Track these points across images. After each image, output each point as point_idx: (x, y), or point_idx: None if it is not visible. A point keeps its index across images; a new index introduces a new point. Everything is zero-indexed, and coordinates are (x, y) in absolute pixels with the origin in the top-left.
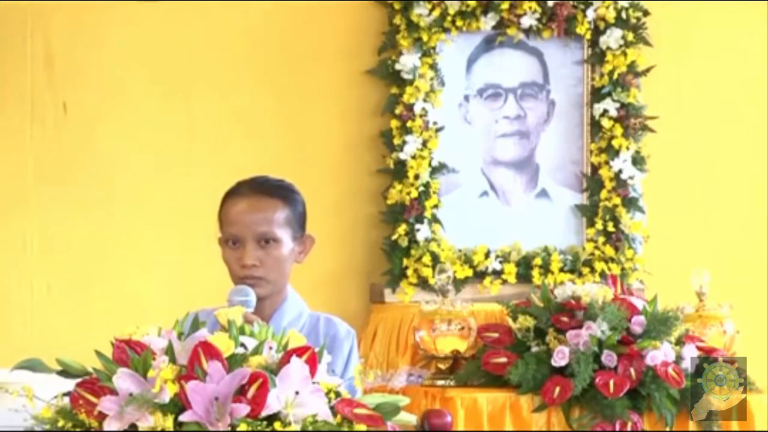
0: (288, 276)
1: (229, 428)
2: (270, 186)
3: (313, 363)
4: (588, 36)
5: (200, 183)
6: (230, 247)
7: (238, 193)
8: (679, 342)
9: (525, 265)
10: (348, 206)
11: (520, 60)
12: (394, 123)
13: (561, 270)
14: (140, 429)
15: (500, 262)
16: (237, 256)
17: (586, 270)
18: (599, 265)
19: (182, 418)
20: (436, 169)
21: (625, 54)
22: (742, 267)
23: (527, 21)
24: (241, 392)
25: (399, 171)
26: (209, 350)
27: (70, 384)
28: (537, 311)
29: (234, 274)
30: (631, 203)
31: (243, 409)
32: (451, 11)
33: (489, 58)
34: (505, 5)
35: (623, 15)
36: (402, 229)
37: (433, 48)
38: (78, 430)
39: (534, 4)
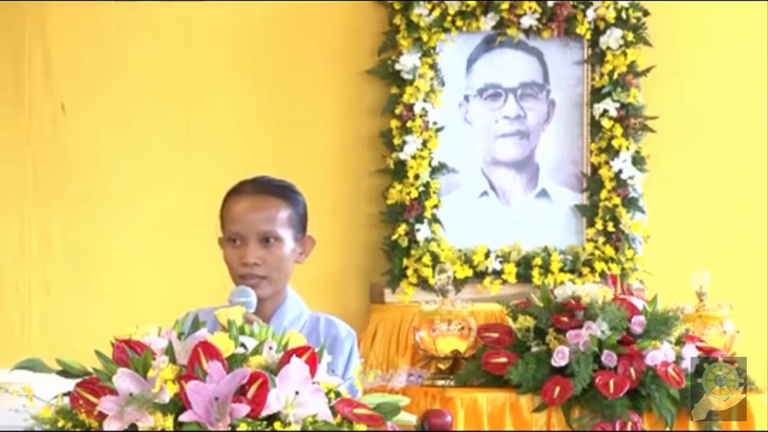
0: (289, 276)
1: (229, 428)
2: (273, 186)
3: (313, 363)
4: (588, 36)
5: (200, 183)
6: (232, 246)
7: (240, 191)
8: (679, 342)
9: (525, 265)
10: (348, 206)
11: (520, 60)
12: (394, 123)
13: (561, 270)
14: (140, 429)
15: (500, 262)
16: (239, 255)
17: (586, 270)
18: (599, 265)
19: (182, 418)
20: (436, 169)
21: (625, 54)
22: (742, 267)
23: (527, 21)
24: (241, 392)
25: (399, 171)
26: (209, 350)
27: (70, 384)
28: (537, 311)
29: (235, 273)
30: (631, 203)
31: (243, 409)
32: (451, 11)
33: (489, 58)
34: (505, 5)
35: (623, 15)
36: (402, 229)
37: (433, 48)
38: (78, 430)
39: (534, 4)
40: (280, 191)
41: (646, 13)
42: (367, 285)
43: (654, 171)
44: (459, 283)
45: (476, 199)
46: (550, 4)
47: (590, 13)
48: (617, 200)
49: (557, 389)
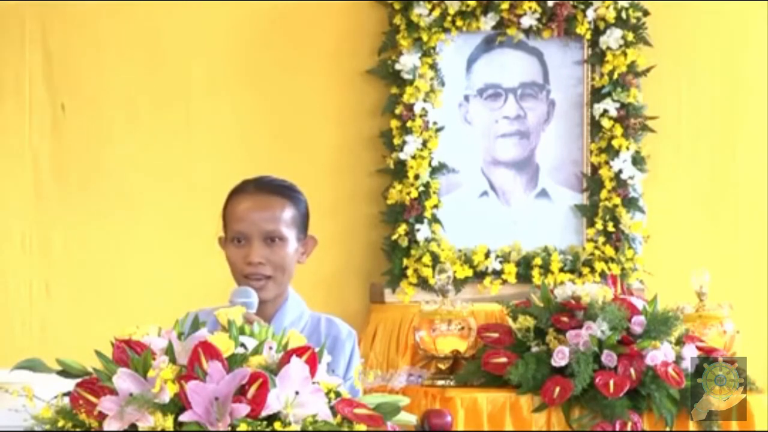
0: (292, 276)
1: (229, 428)
2: (276, 185)
3: (313, 363)
4: (588, 36)
5: (200, 183)
6: (235, 245)
7: (244, 191)
8: (679, 342)
9: (525, 265)
10: (348, 206)
11: (520, 60)
12: (394, 123)
13: (561, 270)
14: (140, 429)
15: (500, 262)
16: (242, 254)
17: (586, 270)
18: (599, 265)
19: (182, 418)
20: (436, 169)
21: (625, 54)
22: (742, 267)
23: (527, 21)
24: (241, 392)
25: (399, 171)
26: (209, 350)
27: (70, 384)
28: (537, 311)
29: (238, 273)
30: (631, 203)
31: (243, 409)
32: (451, 11)
33: (489, 58)
34: (505, 5)
35: (623, 15)
36: (402, 229)
37: (433, 48)
38: (78, 430)
39: (534, 4)
40: (284, 191)
41: (646, 13)
42: (367, 285)
43: (654, 171)
44: (459, 283)
45: (476, 199)
46: (550, 4)
47: (590, 13)
48: (617, 200)
49: (557, 389)
